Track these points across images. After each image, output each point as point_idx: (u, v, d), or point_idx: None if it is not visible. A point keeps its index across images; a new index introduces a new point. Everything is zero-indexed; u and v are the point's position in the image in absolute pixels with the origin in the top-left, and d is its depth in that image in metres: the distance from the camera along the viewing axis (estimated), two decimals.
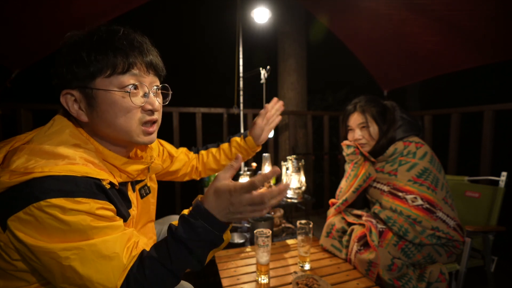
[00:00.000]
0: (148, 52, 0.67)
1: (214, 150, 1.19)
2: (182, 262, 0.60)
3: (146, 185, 0.84)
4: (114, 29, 0.64)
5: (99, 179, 0.59)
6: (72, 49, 0.62)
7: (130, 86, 0.64)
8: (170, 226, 0.63)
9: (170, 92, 0.76)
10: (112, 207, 0.60)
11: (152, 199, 0.88)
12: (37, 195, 0.51)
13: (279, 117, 1.19)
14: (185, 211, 0.64)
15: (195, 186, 1.85)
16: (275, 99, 1.18)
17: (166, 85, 0.74)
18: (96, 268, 0.53)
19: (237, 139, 1.17)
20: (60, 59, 0.63)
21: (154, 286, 0.58)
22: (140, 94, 0.66)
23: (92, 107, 0.63)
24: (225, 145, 1.18)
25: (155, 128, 0.71)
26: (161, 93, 0.74)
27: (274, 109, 1.16)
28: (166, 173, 1.11)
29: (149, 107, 0.67)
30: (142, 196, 0.82)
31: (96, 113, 0.63)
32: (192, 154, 1.18)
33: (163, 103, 0.75)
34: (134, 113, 0.65)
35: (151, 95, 0.67)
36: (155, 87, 0.70)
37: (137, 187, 0.80)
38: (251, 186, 0.57)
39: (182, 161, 1.13)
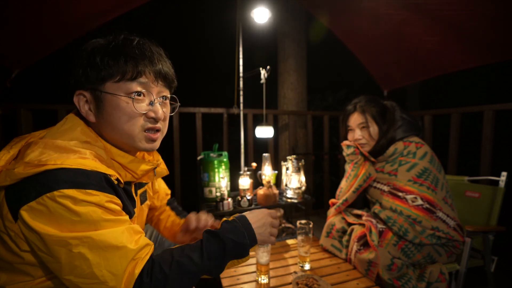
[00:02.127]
0: (158, 62, 0.70)
1: (173, 215, 1.04)
2: (211, 260, 0.64)
3: (145, 191, 0.86)
4: (130, 38, 0.69)
5: (107, 174, 0.61)
6: (90, 54, 0.65)
7: (135, 93, 0.66)
8: (206, 230, 0.69)
9: (178, 104, 0.79)
10: (119, 201, 0.62)
11: (146, 207, 0.90)
12: (50, 185, 0.53)
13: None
14: (227, 219, 0.74)
15: (195, 186, 1.84)
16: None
17: (174, 96, 0.77)
18: (105, 256, 0.54)
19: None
20: (78, 61, 0.66)
21: (172, 281, 0.59)
22: (146, 102, 0.69)
23: (99, 109, 0.66)
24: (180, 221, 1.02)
25: (158, 135, 0.73)
26: (169, 103, 0.77)
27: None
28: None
29: (152, 114, 0.69)
30: (141, 203, 0.83)
31: (102, 115, 0.67)
32: (165, 203, 1.08)
33: (170, 113, 0.77)
34: (137, 119, 0.68)
35: (157, 104, 0.70)
36: (162, 97, 0.73)
37: (139, 192, 0.81)
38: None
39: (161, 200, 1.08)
